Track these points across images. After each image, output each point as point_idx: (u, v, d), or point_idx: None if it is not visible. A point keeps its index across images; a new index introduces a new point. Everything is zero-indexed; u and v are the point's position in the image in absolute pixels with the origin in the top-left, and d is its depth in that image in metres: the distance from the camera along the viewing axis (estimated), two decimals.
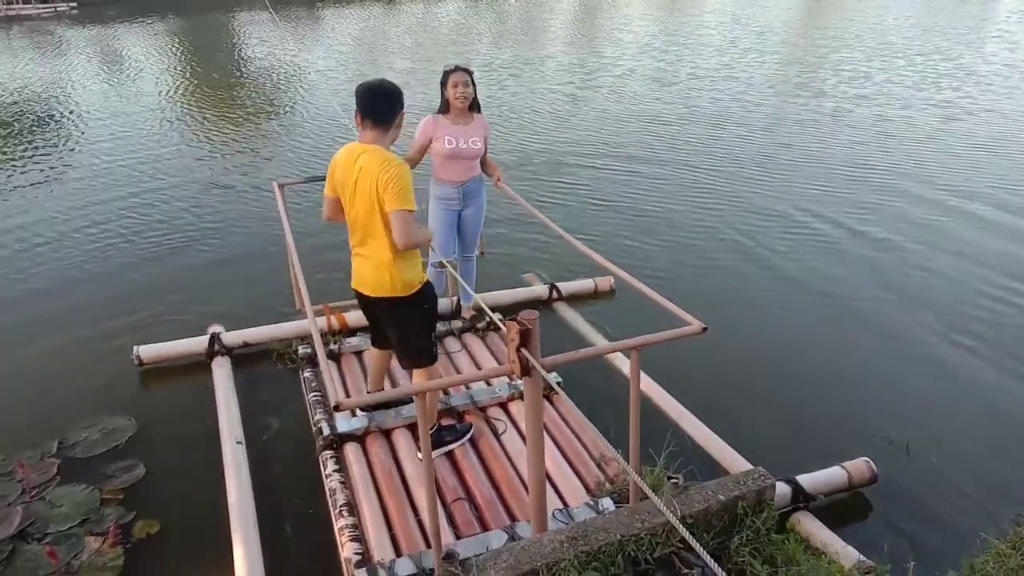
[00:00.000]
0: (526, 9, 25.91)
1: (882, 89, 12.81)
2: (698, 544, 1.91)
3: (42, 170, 9.72)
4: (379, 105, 3.31)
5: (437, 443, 3.78)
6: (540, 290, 5.80)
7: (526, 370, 2.63)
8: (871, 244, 6.89)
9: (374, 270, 3.42)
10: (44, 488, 3.94)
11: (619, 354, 4.71)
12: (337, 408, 2.52)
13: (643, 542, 3.07)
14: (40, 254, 7.07)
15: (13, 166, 9.95)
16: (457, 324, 5.10)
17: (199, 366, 4.94)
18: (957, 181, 8.42)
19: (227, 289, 6.23)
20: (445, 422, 4.01)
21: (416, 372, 3.69)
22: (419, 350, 3.61)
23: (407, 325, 3.58)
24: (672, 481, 3.33)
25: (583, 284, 5.90)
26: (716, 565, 1.87)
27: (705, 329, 2.91)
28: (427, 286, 3.56)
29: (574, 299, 5.81)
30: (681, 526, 1.94)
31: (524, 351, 2.61)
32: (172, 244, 7.22)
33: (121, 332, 5.51)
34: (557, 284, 5.83)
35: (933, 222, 7.37)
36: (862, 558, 3.25)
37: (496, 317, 3.28)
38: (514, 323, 2.59)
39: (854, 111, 11.45)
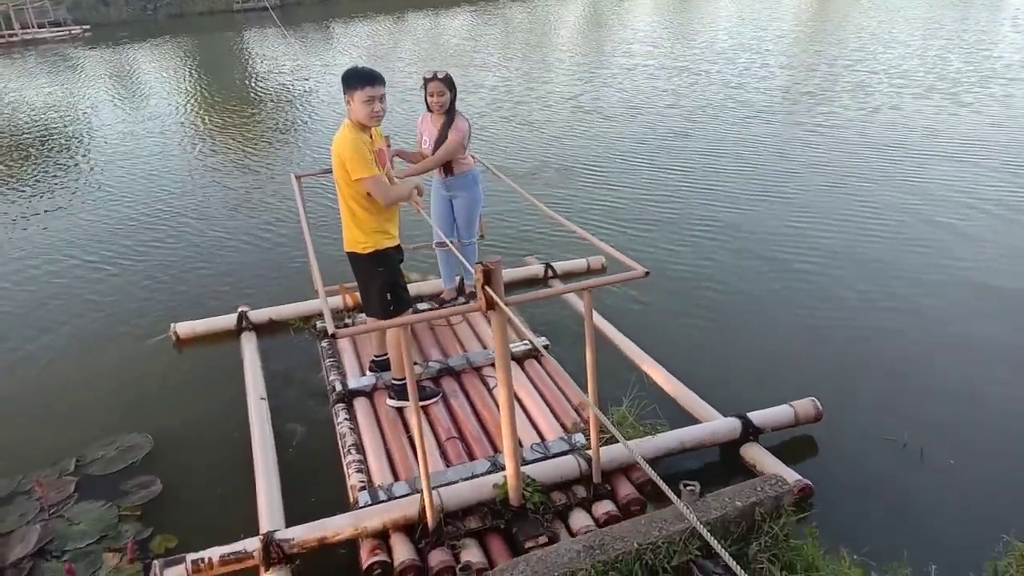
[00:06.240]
0: (532, 20, 26.00)
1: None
2: (720, 547, 1.89)
3: (63, 189, 9.86)
4: None
5: (403, 396, 4.23)
6: (536, 269, 6.26)
7: (491, 305, 2.96)
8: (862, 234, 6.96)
9: (344, 228, 4.07)
10: (62, 506, 3.97)
11: (606, 323, 5.29)
12: (333, 336, 2.94)
13: (660, 550, 3.05)
14: (55, 272, 7.16)
15: (36, 185, 10.11)
16: (460, 300, 5.55)
17: (223, 384, 5.00)
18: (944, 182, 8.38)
19: (253, 273, 6.85)
20: (424, 383, 4.51)
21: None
22: (375, 304, 4.17)
23: (364, 280, 4.19)
24: (688, 488, 3.31)
25: (576, 263, 6.35)
26: (740, 568, 1.86)
27: (647, 273, 3.24)
28: (381, 252, 4.05)
29: (568, 276, 6.22)
30: (704, 529, 1.94)
31: (488, 288, 2.91)
32: (192, 252, 7.42)
33: (138, 351, 5.57)
34: (552, 263, 6.25)
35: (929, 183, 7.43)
36: (799, 478, 3.65)
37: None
38: (480, 265, 2.91)
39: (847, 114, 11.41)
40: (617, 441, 3.08)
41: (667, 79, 14.37)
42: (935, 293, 5.80)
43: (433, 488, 3.41)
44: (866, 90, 12.51)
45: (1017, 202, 7.52)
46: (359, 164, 3.77)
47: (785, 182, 8.50)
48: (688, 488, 3.29)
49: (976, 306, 5.59)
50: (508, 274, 6.01)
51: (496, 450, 3.94)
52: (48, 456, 4.37)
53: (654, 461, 3.80)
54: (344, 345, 5.07)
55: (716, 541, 1.89)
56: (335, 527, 3.42)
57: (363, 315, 5.04)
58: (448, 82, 4.76)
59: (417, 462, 3.60)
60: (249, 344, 5.33)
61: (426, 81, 4.80)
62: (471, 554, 3.35)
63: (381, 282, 4.12)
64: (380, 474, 3.82)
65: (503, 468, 3.59)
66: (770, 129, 10.69)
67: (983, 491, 3.80)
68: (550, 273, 6.20)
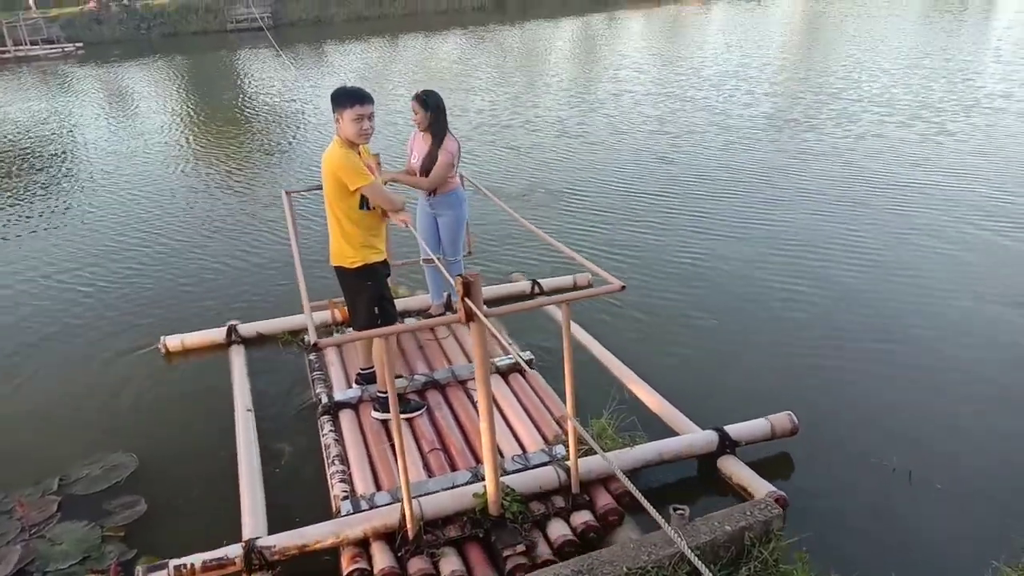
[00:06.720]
0: (522, 44, 26.25)
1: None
2: (709, 572, 1.89)
3: (49, 207, 9.84)
4: None
5: (387, 408, 4.11)
6: (523, 285, 6.31)
7: (470, 316, 3.02)
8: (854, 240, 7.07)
9: (331, 243, 4.15)
10: (44, 526, 3.92)
11: (590, 338, 5.38)
12: (315, 347, 2.97)
13: (649, 575, 3.04)
14: (37, 289, 7.12)
15: (22, 202, 10.07)
16: (449, 316, 5.46)
17: (210, 398, 4.99)
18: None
19: (242, 289, 6.90)
20: (410, 395, 4.60)
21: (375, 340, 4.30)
22: (363, 318, 4.24)
23: (352, 294, 4.26)
24: (678, 512, 3.31)
25: (562, 280, 6.42)
26: None
27: (623, 287, 3.29)
28: (369, 267, 4.13)
29: (555, 293, 6.17)
30: (693, 554, 1.93)
31: (467, 300, 2.99)
32: (180, 269, 7.40)
33: (125, 367, 5.53)
34: (539, 280, 6.31)
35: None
36: (772, 489, 3.66)
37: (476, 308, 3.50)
38: (460, 278, 2.99)
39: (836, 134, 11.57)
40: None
41: (653, 105, 14.52)
42: (916, 318, 5.84)
43: (414, 497, 3.46)
44: (851, 118, 12.66)
45: (1002, 229, 7.61)
46: (355, 174, 3.88)
47: (768, 207, 8.58)
48: (678, 512, 3.29)
49: (959, 332, 5.62)
50: (496, 290, 6.13)
51: (478, 461, 3.98)
52: (30, 475, 4.31)
53: (632, 472, 3.83)
54: (331, 358, 5.12)
55: (705, 566, 1.89)
56: (316, 535, 3.45)
57: (351, 329, 5.07)
58: (422, 101, 4.90)
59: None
60: (238, 357, 5.38)
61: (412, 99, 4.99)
62: (450, 562, 3.36)
63: (368, 296, 4.19)
64: (363, 484, 3.87)
65: (484, 479, 3.62)
66: (754, 155, 10.79)
67: (971, 515, 3.79)
68: (536, 290, 6.28)
